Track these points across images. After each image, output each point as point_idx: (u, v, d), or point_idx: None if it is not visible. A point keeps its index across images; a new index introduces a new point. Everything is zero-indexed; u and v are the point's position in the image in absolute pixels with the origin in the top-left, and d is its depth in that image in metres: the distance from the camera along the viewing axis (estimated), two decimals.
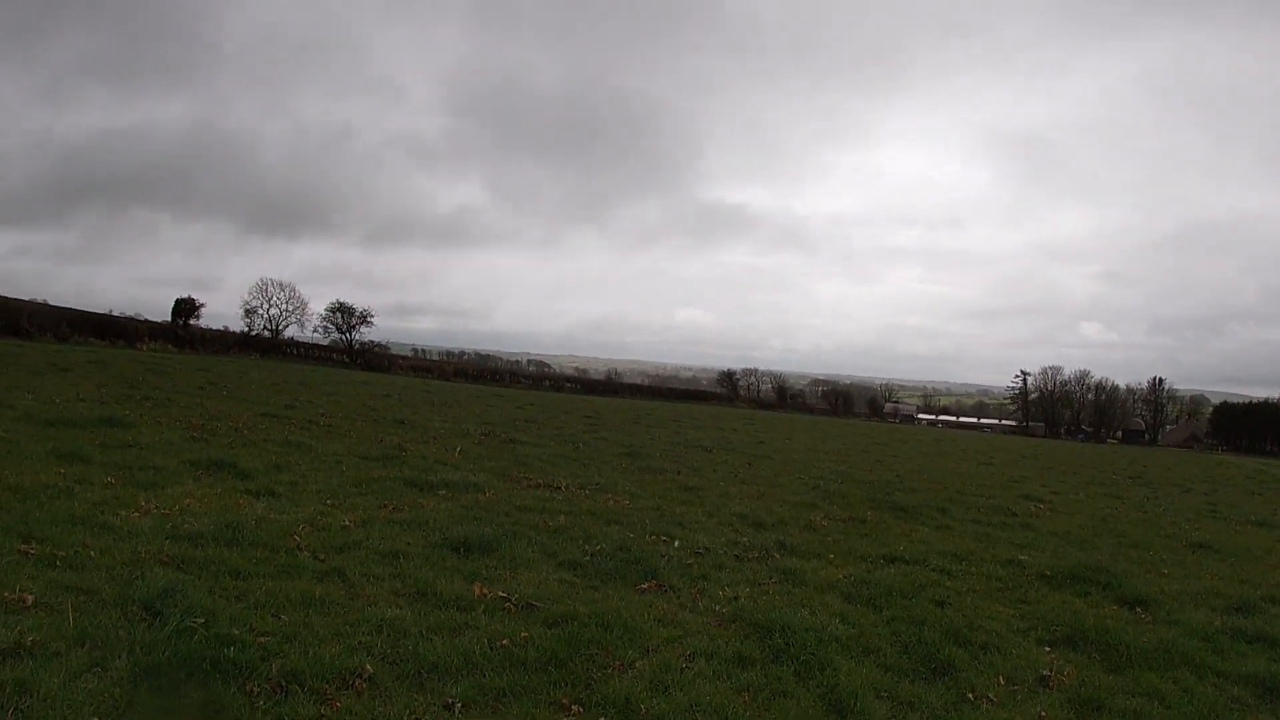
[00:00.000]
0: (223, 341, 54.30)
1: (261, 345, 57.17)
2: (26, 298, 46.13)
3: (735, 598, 6.77)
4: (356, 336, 64.81)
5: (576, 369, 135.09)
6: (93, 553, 5.89)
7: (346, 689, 4.28)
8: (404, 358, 73.98)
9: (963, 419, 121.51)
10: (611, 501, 10.65)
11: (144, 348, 43.38)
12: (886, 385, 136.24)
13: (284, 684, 4.21)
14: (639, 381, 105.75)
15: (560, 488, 11.29)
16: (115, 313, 52.51)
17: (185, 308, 56.45)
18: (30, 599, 4.86)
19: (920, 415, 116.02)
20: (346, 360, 61.02)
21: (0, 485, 7.47)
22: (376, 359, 63.95)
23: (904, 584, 7.71)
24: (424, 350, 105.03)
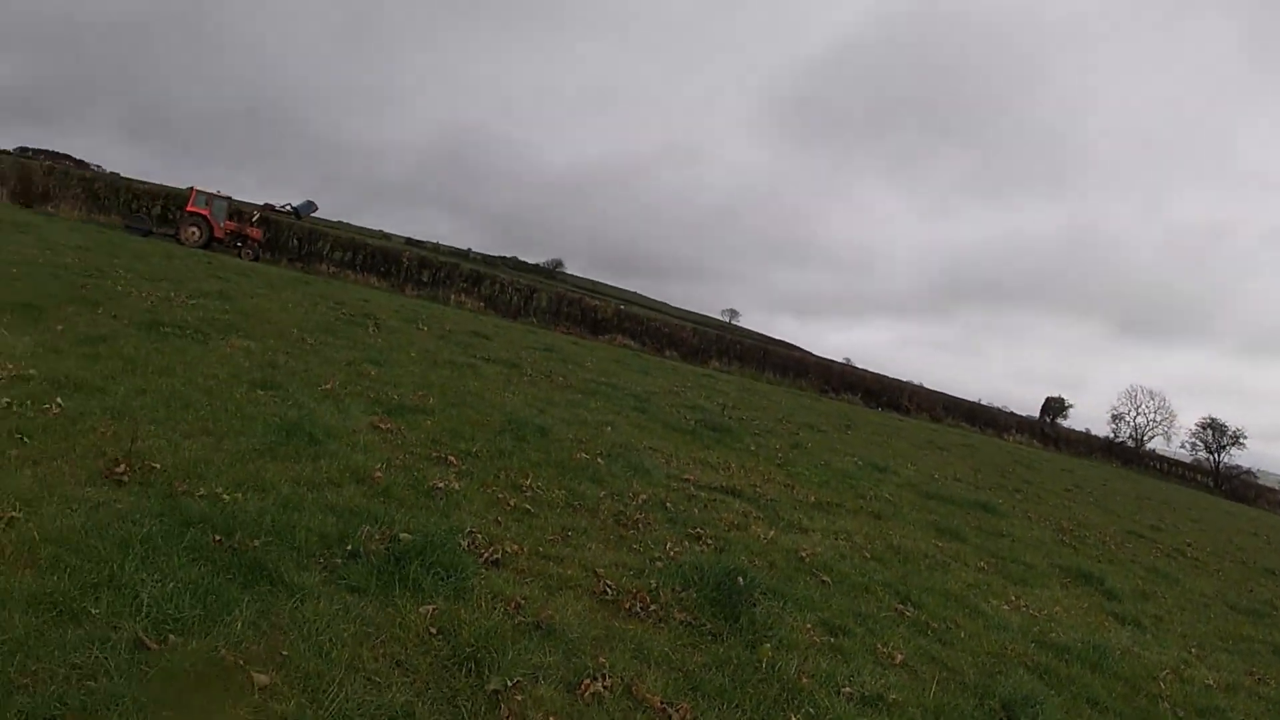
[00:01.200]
0: (1086, 444, 54.00)
1: (1124, 454, 54.91)
2: (906, 379, 53.45)
3: None
4: (1224, 459, 57.12)
5: None
6: (962, 633, 6.04)
7: None
8: (1272, 490, 61.23)
9: None
10: None
11: (1010, 439, 45.60)
12: None
13: None
14: None
15: None
16: (984, 401, 56.77)
17: (1054, 406, 57.87)
18: (899, 657, 5.12)
19: None
20: (1210, 484, 54.16)
21: (884, 543, 8.25)
22: (1242, 487, 54.88)
23: None
24: None
